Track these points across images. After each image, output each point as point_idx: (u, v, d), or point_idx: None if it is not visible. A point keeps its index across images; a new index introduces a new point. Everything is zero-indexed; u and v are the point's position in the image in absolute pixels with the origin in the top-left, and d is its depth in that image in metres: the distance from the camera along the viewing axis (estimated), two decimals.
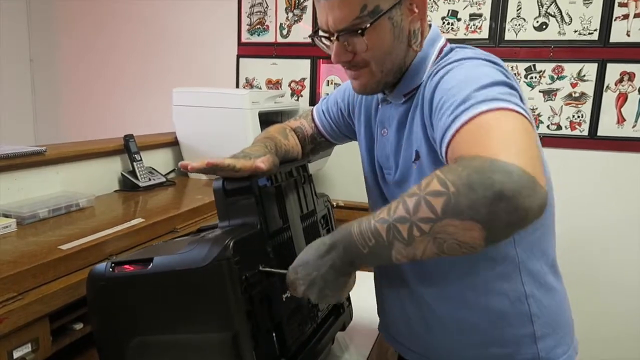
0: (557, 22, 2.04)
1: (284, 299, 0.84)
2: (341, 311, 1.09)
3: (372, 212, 1.00)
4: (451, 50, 0.87)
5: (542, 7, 2.05)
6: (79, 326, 0.99)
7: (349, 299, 1.14)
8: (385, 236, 0.65)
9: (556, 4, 2.03)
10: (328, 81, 2.37)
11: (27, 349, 0.87)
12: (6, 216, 1.16)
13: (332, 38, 0.83)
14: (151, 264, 0.77)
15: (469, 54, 0.81)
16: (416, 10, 0.83)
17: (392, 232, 0.64)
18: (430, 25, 0.89)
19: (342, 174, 2.34)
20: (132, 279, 0.79)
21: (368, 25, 0.79)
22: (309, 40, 2.53)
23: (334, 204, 1.50)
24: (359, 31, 0.79)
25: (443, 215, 0.59)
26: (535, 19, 2.06)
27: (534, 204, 0.57)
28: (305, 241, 0.98)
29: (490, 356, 0.89)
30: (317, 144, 1.15)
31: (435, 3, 2.18)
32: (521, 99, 0.71)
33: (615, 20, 1.97)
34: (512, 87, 0.72)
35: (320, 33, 0.85)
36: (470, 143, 0.63)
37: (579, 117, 2.07)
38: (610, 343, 2.08)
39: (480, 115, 0.64)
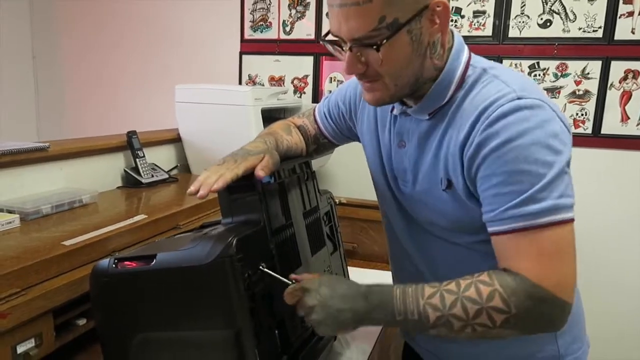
0: (562, 20, 2.03)
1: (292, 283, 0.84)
2: None
3: (384, 214, 1.02)
4: (484, 71, 0.80)
5: (547, 4, 2.04)
6: (82, 322, 0.99)
7: None
8: (432, 321, 0.74)
9: (560, 2, 2.02)
10: (331, 78, 2.37)
11: (30, 344, 0.87)
12: (10, 212, 1.16)
13: (344, 47, 0.77)
14: (154, 261, 0.77)
15: (518, 99, 0.74)
16: (438, 22, 0.75)
17: (443, 322, 0.74)
18: (452, 34, 0.83)
19: (345, 171, 2.34)
20: (135, 275, 0.79)
21: (385, 40, 0.72)
22: (312, 37, 2.53)
23: (337, 201, 1.50)
24: (374, 46, 0.73)
25: (500, 326, 0.73)
26: (539, 16, 2.05)
27: (565, 325, 0.75)
28: (308, 238, 0.98)
29: (512, 356, 0.90)
30: (320, 144, 1.13)
31: None
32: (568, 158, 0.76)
33: (619, 17, 1.96)
34: (566, 163, 0.74)
35: (332, 38, 0.79)
36: (530, 256, 0.73)
37: (582, 115, 2.06)
38: (611, 343, 2.07)
39: (541, 231, 0.72)
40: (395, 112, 0.90)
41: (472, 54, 0.84)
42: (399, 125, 0.90)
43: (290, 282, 0.80)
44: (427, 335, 0.92)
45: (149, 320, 0.79)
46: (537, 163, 0.72)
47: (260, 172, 0.80)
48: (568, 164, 0.75)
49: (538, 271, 0.72)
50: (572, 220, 0.73)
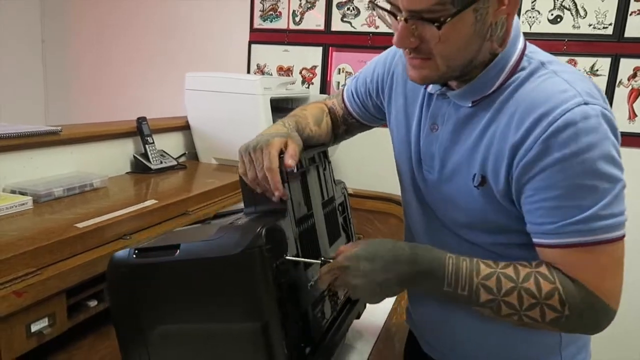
0: (572, 16, 2.03)
1: (309, 287, 0.82)
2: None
3: (403, 202, 0.97)
4: (542, 65, 0.74)
5: (557, 0, 2.03)
6: (93, 303, 1.01)
7: None
8: (483, 300, 0.73)
9: None
10: (339, 69, 2.37)
11: (44, 323, 0.89)
12: (22, 194, 1.18)
13: (398, 17, 0.69)
14: (178, 251, 0.73)
15: (585, 105, 0.68)
16: (506, 2, 0.69)
17: (494, 305, 0.72)
18: None
19: (352, 162, 2.34)
20: (157, 267, 0.75)
21: (449, 18, 0.65)
22: (321, 27, 2.51)
23: None
24: (436, 23, 0.66)
25: (549, 323, 0.72)
26: (550, 11, 2.05)
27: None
28: (327, 228, 0.97)
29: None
30: (349, 125, 1.08)
31: None
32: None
33: (630, 15, 1.96)
34: (621, 178, 0.72)
35: (384, 3, 0.71)
36: (588, 268, 0.72)
37: None
38: (614, 344, 2.08)
39: (601, 246, 0.71)
40: (430, 90, 0.84)
41: (528, 43, 0.78)
42: (434, 106, 0.83)
43: (320, 262, 0.77)
44: (439, 335, 0.90)
45: (171, 312, 0.76)
46: (603, 178, 0.69)
47: (290, 162, 0.76)
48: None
49: (595, 282, 0.72)
50: (624, 235, 0.73)
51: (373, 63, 1.01)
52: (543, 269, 0.73)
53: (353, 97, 1.05)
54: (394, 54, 0.95)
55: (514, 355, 0.88)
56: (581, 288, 0.71)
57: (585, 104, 0.68)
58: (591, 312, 0.72)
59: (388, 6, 0.71)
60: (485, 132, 0.75)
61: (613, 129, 0.70)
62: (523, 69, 0.75)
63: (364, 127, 1.09)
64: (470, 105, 0.78)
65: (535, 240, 0.74)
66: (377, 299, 0.75)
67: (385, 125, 1.03)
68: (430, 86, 0.83)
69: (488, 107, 0.76)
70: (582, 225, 0.69)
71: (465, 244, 0.84)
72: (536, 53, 0.77)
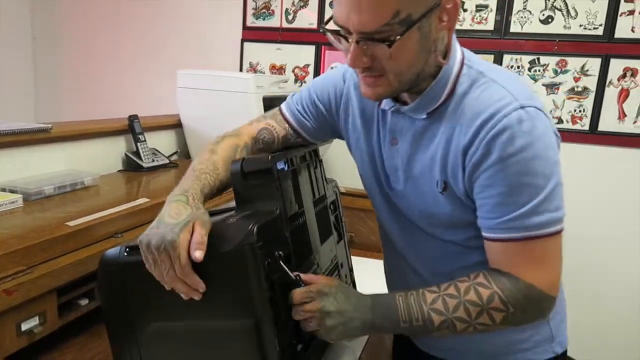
0: (563, 16, 2.04)
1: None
2: None
3: (378, 213, 1.00)
4: (481, 74, 0.81)
5: (549, 0, 2.05)
6: (84, 302, 1.01)
7: (354, 283, 1.15)
8: (437, 325, 0.79)
9: None
10: (332, 68, 2.37)
11: (34, 322, 0.89)
12: (12, 192, 1.17)
13: (350, 39, 0.73)
14: None
15: (521, 109, 0.75)
16: (445, 20, 0.75)
17: (447, 325, 0.79)
18: None
19: (343, 160, 2.33)
20: None
21: (398, 37, 0.70)
22: (314, 26, 2.51)
23: None
24: (387, 42, 0.71)
25: (501, 323, 0.79)
26: (541, 12, 2.06)
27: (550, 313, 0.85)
28: (318, 226, 0.97)
29: (512, 341, 0.91)
30: (290, 144, 1.03)
31: None
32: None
33: (620, 15, 1.98)
34: (554, 175, 0.77)
35: (334, 27, 0.75)
36: (526, 262, 0.79)
37: (580, 111, 2.08)
38: (607, 341, 2.11)
39: (537, 241, 0.77)
40: (384, 107, 0.89)
41: (465, 51, 0.84)
42: (391, 122, 0.89)
43: (298, 281, 0.78)
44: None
45: (163, 310, 0.76)
46: (538, 176, 0.76)
47: (197, 254, 0.69)
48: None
49: (532, 275, 0.79)
50: (562, 230, 0.79)
51: (320, 82, 1.01)
52: (480, 279, 0.80)
53: (302, 116, 1.01)
54: (342, 74, 0.97)
55: (512, 338, 0.91)
56: (518, 283, 0.79)
57: (522, 107, 0.76)
58: (533, 303, 0.80)
59: (339, 29, 0.75)
60: (441, 141, 0.82)
61: (546, 128, 0.77)
62: (465, 77, 0.81)
63: (307, 144, 1.05)
64: (424, 117, 0.84)
65: (482, 234, 0.81)
66: (339, 334, 0.79)
67: None
68: (383, 103, 0.88)
69: (440, 118, 0.83)
70: (519, 222, 0.77)
71: (439, 242, 0.90)
72: (473, 62, 0.83)
